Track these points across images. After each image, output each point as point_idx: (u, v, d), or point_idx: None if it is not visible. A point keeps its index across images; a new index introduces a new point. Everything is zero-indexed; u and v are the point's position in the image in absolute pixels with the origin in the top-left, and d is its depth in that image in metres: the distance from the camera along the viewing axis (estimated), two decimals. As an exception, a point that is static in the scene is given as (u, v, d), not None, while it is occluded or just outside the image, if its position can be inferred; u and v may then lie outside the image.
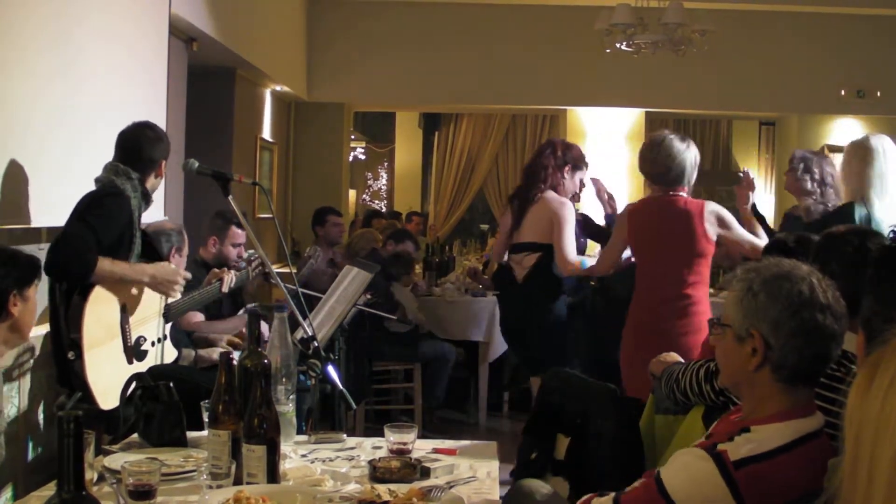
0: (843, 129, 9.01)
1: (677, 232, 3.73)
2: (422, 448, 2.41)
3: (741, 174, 4.32)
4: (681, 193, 3.80)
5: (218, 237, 4.55)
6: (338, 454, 2.41)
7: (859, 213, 3.92)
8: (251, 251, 4.30)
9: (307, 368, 2.60)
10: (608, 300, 4.74)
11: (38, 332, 3.52)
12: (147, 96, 4.52)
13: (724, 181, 10.05)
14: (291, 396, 2.47)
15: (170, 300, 3.52)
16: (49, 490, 1.92)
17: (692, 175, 3.82)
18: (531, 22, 8.37)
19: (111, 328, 3.25)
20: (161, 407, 2.39)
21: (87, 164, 3.45)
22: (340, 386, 2.61)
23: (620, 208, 4.47)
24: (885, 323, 1.40)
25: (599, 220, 5.10)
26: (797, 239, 2.73)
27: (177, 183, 5.40)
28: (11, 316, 2.57)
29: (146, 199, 3.43)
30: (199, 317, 4.29)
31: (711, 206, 3.79)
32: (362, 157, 12.92)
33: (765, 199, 10.14)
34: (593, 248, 5.43)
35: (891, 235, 2.07)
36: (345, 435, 2.56)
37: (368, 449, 2.46)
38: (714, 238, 3.73)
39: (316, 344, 2.61)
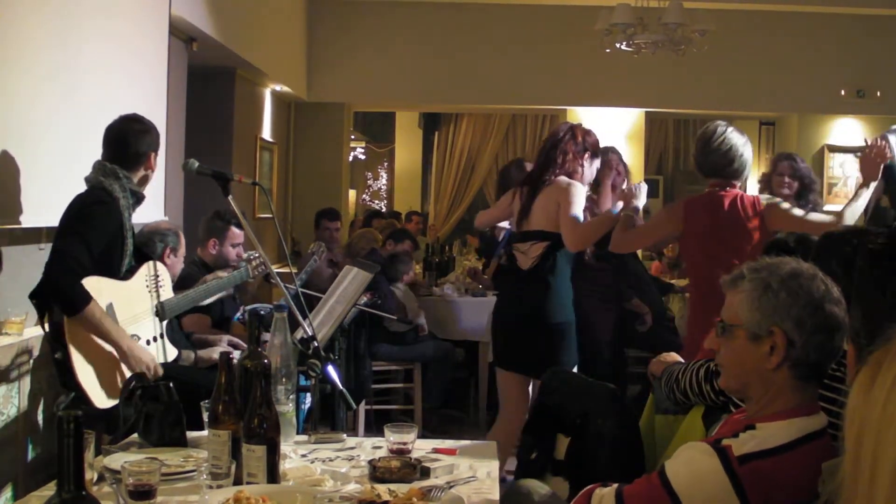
0: (843, 129, 9.01)
1: (737, 228, 3.66)
2: (422, 448, 2.41)
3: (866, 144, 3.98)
4: (737, 188, 3.80)
5: (218, 239, 4.54)
6: (338, 454, 2.41)
7: None
8: (251, 251, 4.29)
9: (307, 368, 2.60)
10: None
11: (38, 332, 3.52)
12: (147, 96, 4.52)
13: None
14: (291, 396, 2.47)
15: (163, 297, 3.50)
16: (49, 490, 1.92)
17: (749, 169, 3.85)
18: (531, 22, 8.37)
19: None
20: (161, 407, 2.39)
21: (87, 165, 3.44)
22: (340, 386, 2.61)
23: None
24: (869, 337, 1.40)
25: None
26: (798, 239, 2.73)
27: (177, 183, 5.40)
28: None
29: (136, 197, 3.37)
30: (205, 320, 4.28)
31: (766, 199, 3.81)
32: (362, 157, 12.92)
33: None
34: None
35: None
36: (345, 435, 2.56)
37: (368, 449, 2.46)
38: (772, 233, 3.71)
39: (316, 344, 2.61)
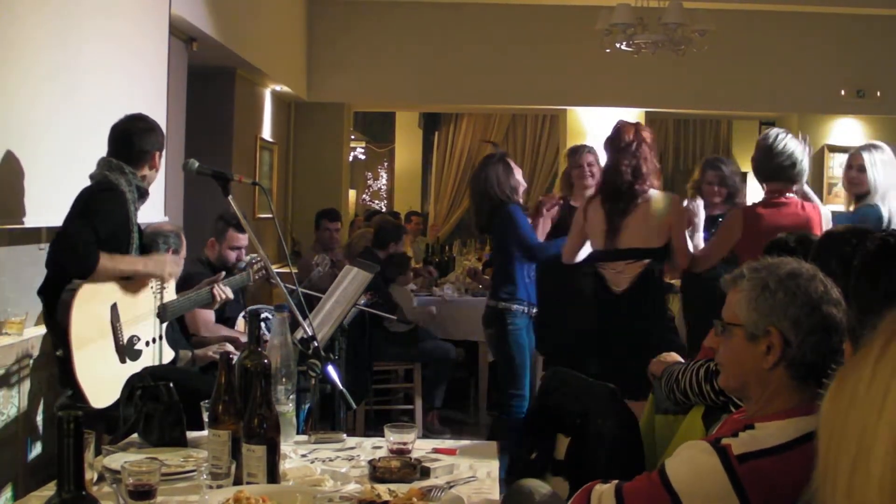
0: (843, 129, 9.01)
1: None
2: (422, 448, 2.41)
3: None
4: (794, 194, 3.86)
5: (217, 239, 4.56)
6: (338, 454, 2.41)
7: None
8: (253, 255, 4.30)
9: (307, 368, 2.60)
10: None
11: (38, 332, 3.52)
12: (147, 96, 4.52)
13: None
14: (291, 396, 2.47)
15: (165, 300, 3.51)
16: (49, 490, 1.92)
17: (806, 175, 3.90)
18: (531, 22, 8.37)
19: (102, 326, 3.23)
20: (161, 407, 2.39)
21: (87, 164, 3.45)
22: (340, 386, 2.61)
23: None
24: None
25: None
26: (798, 239, 2.73)
27: (177, 183, 5.40)
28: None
29: (141, 193, 3.41)
30: (210, 317, 4.28)
31: (825, 212, 3.86)
32: (362, 157, 12.92)
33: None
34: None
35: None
36: (345, 435, 2.56)
37: (368, 449, 2.46)
38: None
39: (316, 344, 2.61)
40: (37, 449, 3.51)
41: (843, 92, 8.42)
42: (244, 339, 4.09)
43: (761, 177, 3.92)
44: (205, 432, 2.23)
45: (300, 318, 2.68)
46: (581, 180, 4.89)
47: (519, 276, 4.61)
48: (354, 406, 2.75)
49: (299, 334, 2.76)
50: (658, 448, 2.73)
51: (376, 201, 13.10)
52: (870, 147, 4.27)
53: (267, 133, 7.79)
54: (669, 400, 2.70)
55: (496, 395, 6.43)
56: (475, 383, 6.34)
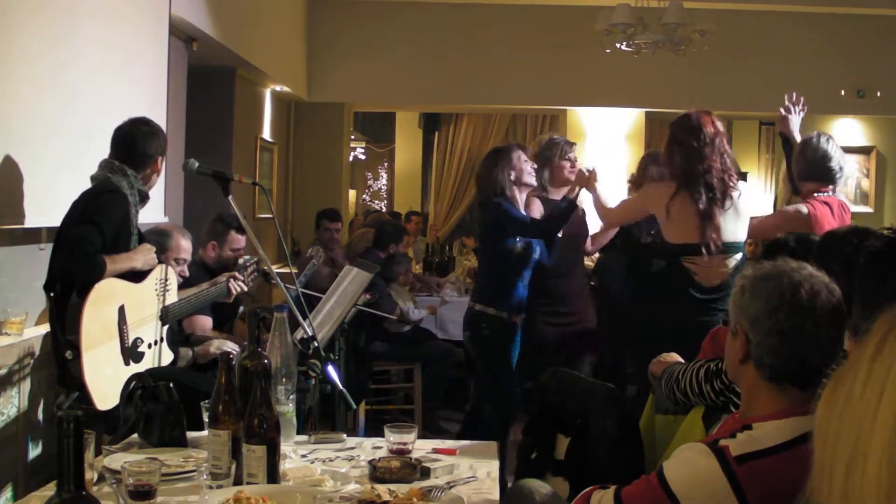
0: (843, 129, 9.01)
1: None
2: (422, 448, 2.41)
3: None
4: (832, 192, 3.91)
5: (217, 241, 4.54)
6: (338, 454, 2.41)
7: None
8: (247, 256, 4.28)
9: (307, 368, 2.60)
10: None
11: (38, 332, 3.52)
12: (147, 96, 4.52)
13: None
14: (291, 396, 2.47)
15: (168, 302, 3.52)
16: (49, 490, 1.92)
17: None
18: (531, 22, 8.37)
19: (109, 329, 3.24)
20: (161, 407, 2.39)
21: (88, 164, 3.45)
22: (340, 386, 2.61)
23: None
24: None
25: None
26: (797, 238, 2.73)
27: (177, 183, 5.40)
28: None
29: (142, 196, 3.41)
30: (208, 323, 4.28)
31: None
32: (362, 157, 12.92)
33: (765, 199, 10.15)
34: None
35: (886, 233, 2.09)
36: (345, 435, 2.56)
37: (368, 449, 2.46)
38: None
39: (316, 344, 2.61)
40: (37, 449, 3.51)
41: (843, 92, 8.42)
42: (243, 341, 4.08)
43: (801, 178, 3.95)
44: (205, 432, 2.23)
45: (300, 318, 2.68)
46: (570, 175, 4.58)
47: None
48: (354, 406, 2.75)
49: (299, 334, 2.76)
50: (658, 448, 2.74)
51: (376, 201, 13.11)
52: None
53: (267, 133, 7.78)
54: (669, 400, 2.70)
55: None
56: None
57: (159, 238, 3.93)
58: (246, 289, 3.99)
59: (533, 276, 4.40)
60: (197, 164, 2.86)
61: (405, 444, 2.32)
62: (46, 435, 3.52)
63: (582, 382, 2.96)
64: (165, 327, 3.53)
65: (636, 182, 4.96)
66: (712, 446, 1.73)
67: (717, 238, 3.80)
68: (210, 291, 3.84)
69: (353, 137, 10.86)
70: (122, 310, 3.28)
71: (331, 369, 2.59)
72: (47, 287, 3.26)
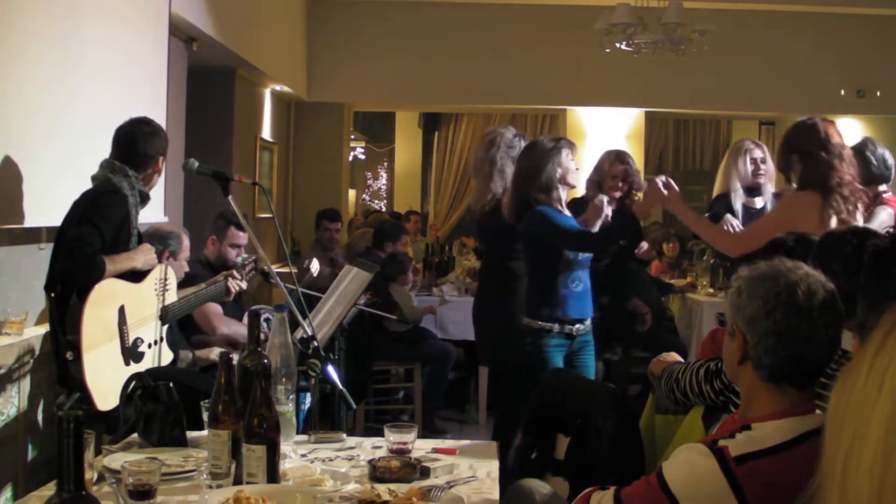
0: (843, 129, 9.00)
1: None
2: (422, 448, 2.41)
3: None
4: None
5: (217, 237, 4.55)
6: (338, 454, 2.41)
7: None
8: (245, 255, 4.28)
9: (307, 368, 2.59)
10: None
11: (38, 332, 3.52)
12: (147, 96, 4.52)
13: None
14: (291, 396, 2.47)
15: (167, 301, 3.52)
16: (49, 490, 1.92)
17: None
18: (531, 22, 8.37)
19: (109, 329, 3.24)
20: (161, 407, 2.39)
21: (88, 164, 3.45)
22: (340, 386, 2.60)
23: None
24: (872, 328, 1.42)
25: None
26: (797, 238, 2.72)
27: (177, 183, 5.40)
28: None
29: (143, 197, 3.41)
30: (218, 309, 4.27)
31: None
32: (362, 157, 12.93)
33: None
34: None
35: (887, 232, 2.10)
36: (345, 435, 2.56)
37: (368, 449, 2.46)
38: None
39: (316, 344, 2.61)
40: (37, 449, 3.51)
41: (843, 92, 8.43)
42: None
43: (868, 180, 4.03)
44: (205, 432, 2.23)
45: (300, 318, 2.68)
46: (613, 192, 4.52)
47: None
48: (354, 406, 2.74)
49: (299, 334, 2.76)
50: (658, 448, 2.74)
51: (376, 201, 13.11)
52: None
53: (267, 133, 7.79)
54: (669, 400, 2.70)
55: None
56: (475, 383, 6.33)
57: (170, 241, 3.93)
58: (244, 287, 3.99)
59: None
60: (197, 164, 2.86)
61: (405, 444, 2.32)
62: (46, 435, 3.52)
63: (582, 382, 2.96)
64: (165, 327, 3.53)
65: (596, 180, 4.71)
66: (711, 447, 1.73)
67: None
68: (209, 291, 3.85)
69: (352, 137, 10.86)
70: (122, 310, 3.28)
71: (331, 369, 2.59)
72: (48, 288, 3.26)
